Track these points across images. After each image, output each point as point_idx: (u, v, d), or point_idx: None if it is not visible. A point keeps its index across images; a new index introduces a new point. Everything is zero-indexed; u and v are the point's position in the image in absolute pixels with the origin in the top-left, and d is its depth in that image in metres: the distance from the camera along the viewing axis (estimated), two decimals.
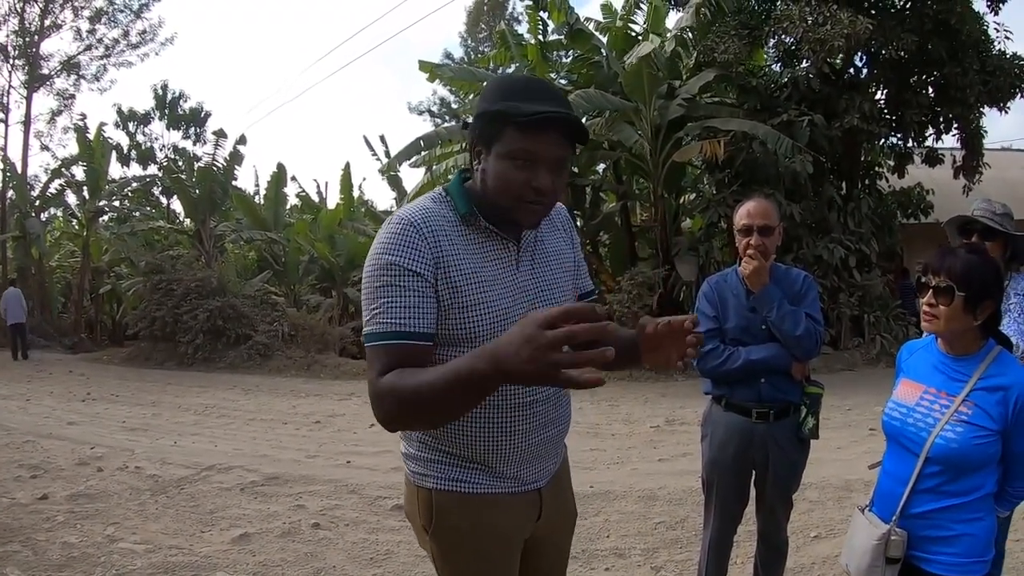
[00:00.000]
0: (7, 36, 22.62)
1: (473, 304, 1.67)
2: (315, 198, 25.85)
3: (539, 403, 1.80)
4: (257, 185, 25.16)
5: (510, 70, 15.85)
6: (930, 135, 14.42)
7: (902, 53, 12.23)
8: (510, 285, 1.75)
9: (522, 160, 1.62)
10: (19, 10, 22.44)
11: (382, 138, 30.78)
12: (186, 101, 27.88)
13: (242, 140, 20.28)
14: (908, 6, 12.90)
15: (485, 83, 1.92)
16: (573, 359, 1.21)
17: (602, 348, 1.20)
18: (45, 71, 23.68)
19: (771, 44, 14.04)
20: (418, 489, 1.84)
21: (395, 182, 20.69)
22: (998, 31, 13.26)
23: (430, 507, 1.81)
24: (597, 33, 14.97)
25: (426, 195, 1.79)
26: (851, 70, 14.03)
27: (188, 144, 27.29)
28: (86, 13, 23.71)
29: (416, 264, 1.62)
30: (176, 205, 24.23)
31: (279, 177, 21.82)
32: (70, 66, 24.03)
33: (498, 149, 1.64)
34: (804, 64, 13.24)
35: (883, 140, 14.49)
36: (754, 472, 3.17)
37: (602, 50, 14.32)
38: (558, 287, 1.89)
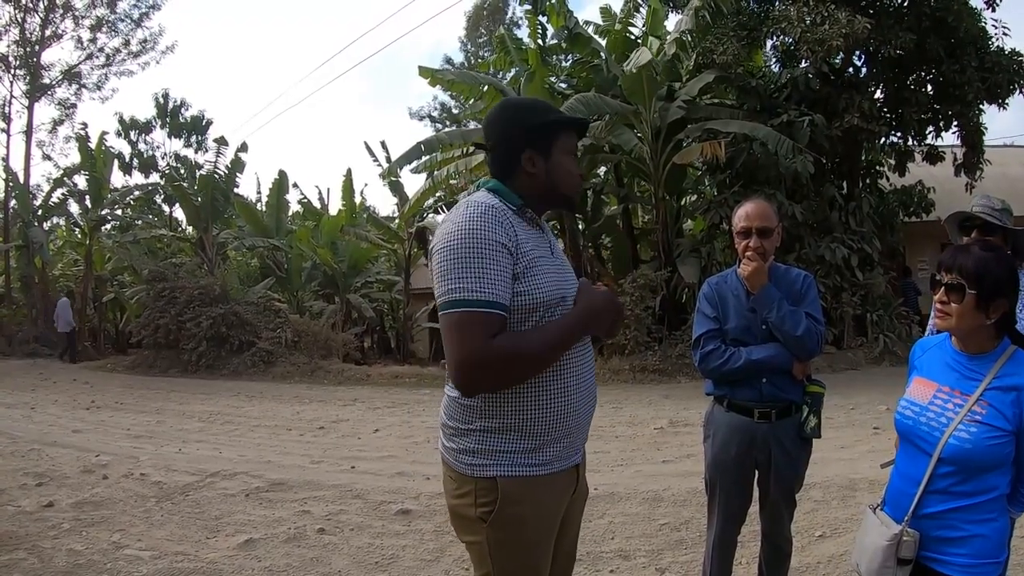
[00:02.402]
0: (8, 46, 22.79)
1: (540, 273, 1.95)
2: (317, 204, 25.89)
3: (587, 372, 2.12)
4: (259, 192, 25.27)
5: (510, 74, 15.88)
6: (930, 133, 14.41)
7: (900, 51, 12.25)
8: (552, 262, 2.05)
9: (573, 155, 2.13)
10: (20, 20, 22.54)
11: (383, 144, 30.77)
12: (187, 109, 28.06)
13: (243, 147, 20.26)
14: (906, 5, 12.90)
15: (504, 107, 2.17)
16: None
17: None
18: (46, 81, 23.79)
19: (770, 45, 14.11)
20: (476, 480, 1.95)
21: (396, 188, 20.71)
22: (996, 28, 13.29)
23: (494, 495, 1.93)
24: (596, 36, 14.99)
25: (479, 192, 2.06)
26: (850, 69, 14.05)
27: (190, 152, 27.46)
28: (87, 22, 23.90)
29: (504, 238, 1.88)
30: (178, 213, 24.37)
31: (281, 184, 21.84)
32: (71, 75, 24.16)
33: (557, 150, 2.07)
34: (803, 64, 13.26)
35: (883, 139, 14.49)
36: (757, 472, 3.17)
37: (601, 53, 14.33)
38: (571, 271, 2.21)
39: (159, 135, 27.72)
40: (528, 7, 14.38)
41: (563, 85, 15.51)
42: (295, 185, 29.48)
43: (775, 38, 13.36)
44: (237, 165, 19.99)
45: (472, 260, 1.82)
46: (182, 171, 23.64)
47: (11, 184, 22.37)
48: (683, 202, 16.45)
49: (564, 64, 16.86)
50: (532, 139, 2.05)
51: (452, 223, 1.89)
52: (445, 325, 1.84)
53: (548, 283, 1.96)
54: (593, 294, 2.04)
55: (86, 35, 23.98)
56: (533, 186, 2.06)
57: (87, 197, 22.46)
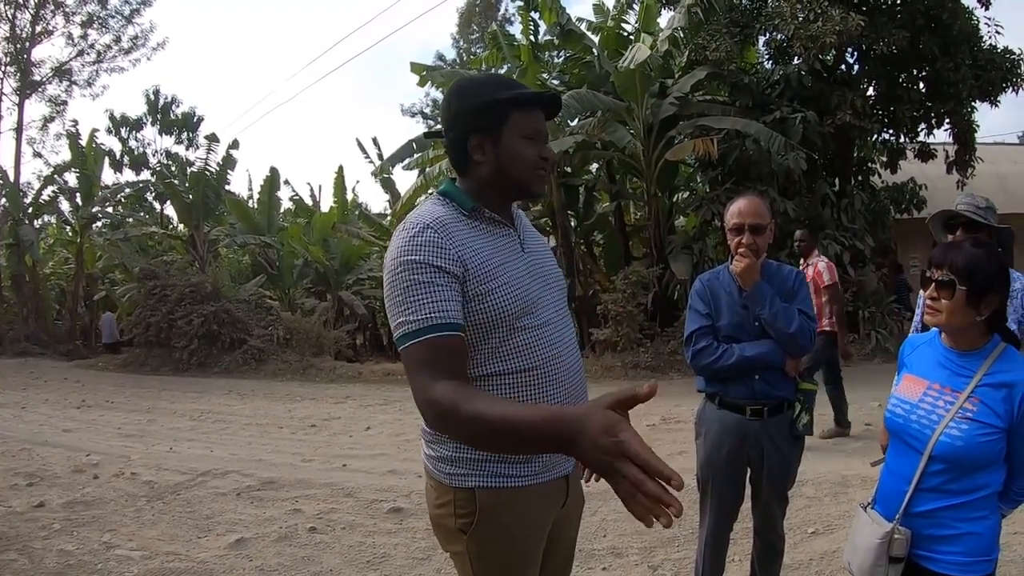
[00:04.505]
0: None
1: (499, 286, 1.79)
2: (308, 201, 25.80)
3: (575, 377, 1.94)
4: (250, 189, 25.21)
5: (502, 71, 15.89)
6: (922, 130, 14.42)
7: (893, 49, 12.25)
8: (522, 265, 1.90)
9: (530, 138, 1.86)
10: (10, 16, 22.39)
11: (375, 140, 30.74)
12: (178, 106, 27.81)
13: (235, 144, 20.15)
14: (899, 2, 12.92)
15: (453, 89, 2.04)
16: (636, 480, 1.22)
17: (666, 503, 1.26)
18: (37, 77, 23.63)
19: (762, 42, 14.11)
20: (455, 490, 1.85)
21: (388, 185, 20.67)
22: (989, 25, 13.30)
23: (472, 507, 1.82)
24: (589, 33, 14.98)
25: (427, 202, 1.93)
26: (843, 66, 14.05)
27: (181, 149, 27.19)
28: (78, 19, 23.69)
29: (438, 259, 1.71)
30: (169, 210, 24.15)
31: (272, 181, 21.79)
32: (62, 72, 23.98)
33: (508, 133, 1.84)
34: (796, 61, 13.25)
35: (875, 136, 14.51)
36: (749, 469, 3.17)
37: (594, 50, 14.33)
38: (553, 265, 2.07)
39: (150, 132, 27.48)
40: (520, 3, 14.37)
41: (555, 82, 15.51)
42: (286, 182, 29.46)
43: (768, 35, 13.40)
44: (228, 162, 19.91)
45: (409, 289, 1.70)
46: (173, 168, 23.51)
47: (1, 182, 22.21)
48: (675, 199, 16.48)
49: (556, 61, 16.84)
50: (479, 122, 1.84)
51: (391, 249, 1.77)
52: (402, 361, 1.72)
53: (509, 294, 1.80)
54: (587, 424, 1.27)
55: (77, 32, 23.84)
56: (485, 176, 1.88)
57: (78, 195, 22.32)
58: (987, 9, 13.19)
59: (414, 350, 1.66)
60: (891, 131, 14.57)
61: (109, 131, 26.66)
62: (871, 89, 14.17)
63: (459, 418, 1.52)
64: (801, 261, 7.34)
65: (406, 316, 1.69)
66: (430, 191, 15.03)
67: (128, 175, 26.13)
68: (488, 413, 1.47)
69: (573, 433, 1.29)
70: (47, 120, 24.53)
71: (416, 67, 14.83)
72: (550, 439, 1.36)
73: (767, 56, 14.84)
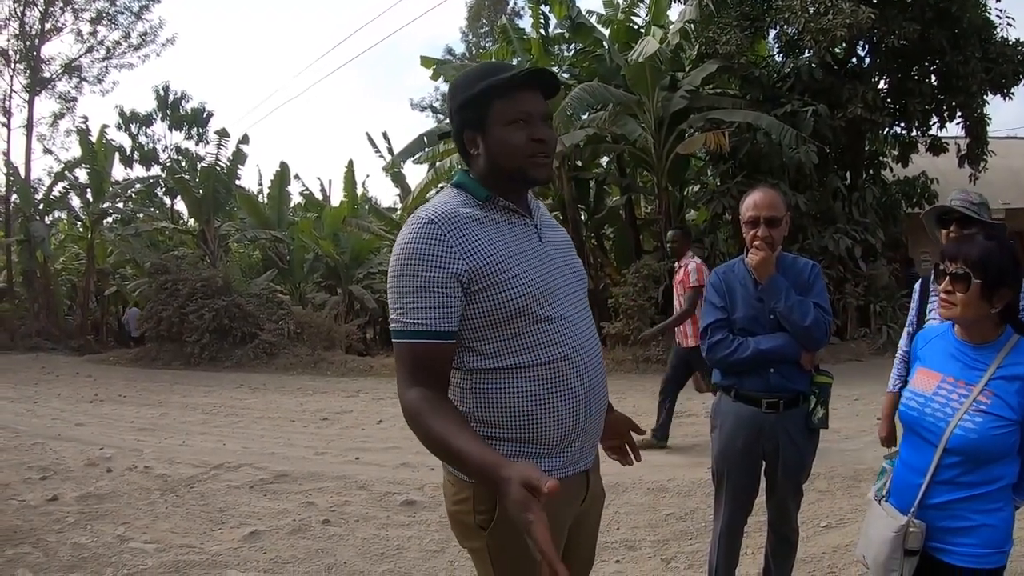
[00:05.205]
0: (8, 40, 22.64)
1: (512, 277, 1.76)
2: (319, 196, 25.82)
3: (595, 373, 1.91)
4: (261, 184, 25.26)
5: None
6: (934, 123, 14.35)
7: (904, 42, 12.18)
8: (539, 256, 1.86)
9: (517, 121, 1.79)
10: (19, 14, 22.45)
11: (385, 135, 30.64)
12: (188, 102, 27.95)
13: (245, 139, 20.18)
14: None
15: (448, 87, 2.06)
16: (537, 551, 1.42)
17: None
18: (46, 74, 23.69)
19: (773, 35, 14.06)
20: (475, 486, 1.81)
21: (399, 179, 20.69)
22: (1000, 18, 13.21)
23: (492, 503, 1.78)
24: (599, 26, 14.99)
25: (440, 193, 1.91)
26: (853, 60, 13.98)
27: (191, 144, 27.37)
28: (87, 15, 23.73)
29: (436, 260, 1.70)
30: (180, 206, 24.33)
31: (282, 176, 21.80)
32: (71, 69, 24.03)
33: (492, 123, 1.80)
34: (806, 54, 13.20)
35: (887, 129, 14.44)
36: (764, 462, 3.16)
37: (604, 43, 14.33)
38: (572, 256, 2.02)
39: (160, 128, 27.68)
40: None
41: (566, 75, 15.49)
42: (297, 176, 29.51)
43: (778, 28, 13.32)
44: (239, 157, 19.94)
45: (404, 289, 1.73)
46: (183, 163, 23.58)
47: (12, 179, 22.29)
48: (686, 192, 16.47)
49: (567, 54, 16.84)
50: (466, 118, 1.84)
51: (398, 240, 1.77)
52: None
53: (523, 285, 1.76)
54: (515, 492, 1.45)
55: (86, 28, 23.88)
56: (483, 169, 1.85)
57: (88, 191, 22.38)
58: (999, 0, 13.12)
59: (400, 348, 1.75)
60: (902, 124, 14.50)
61: (119, 127, 26.87)
62: (882, 82, 14.09)
63: (418, 427, 1.68)
64: (676, 263, 7.27)
65: (397, 314, 1.75)
66: (441, 185, 15.10)
67: (138, 171, 26.34)
68: (440, 435, 1.64)
69: (495, 487, 1.51)
70: (57, 117, 24.66)
71: (427, 61, 14.83)
72: (483, 480, 1.58)
73: (778, 49, 14.77)
